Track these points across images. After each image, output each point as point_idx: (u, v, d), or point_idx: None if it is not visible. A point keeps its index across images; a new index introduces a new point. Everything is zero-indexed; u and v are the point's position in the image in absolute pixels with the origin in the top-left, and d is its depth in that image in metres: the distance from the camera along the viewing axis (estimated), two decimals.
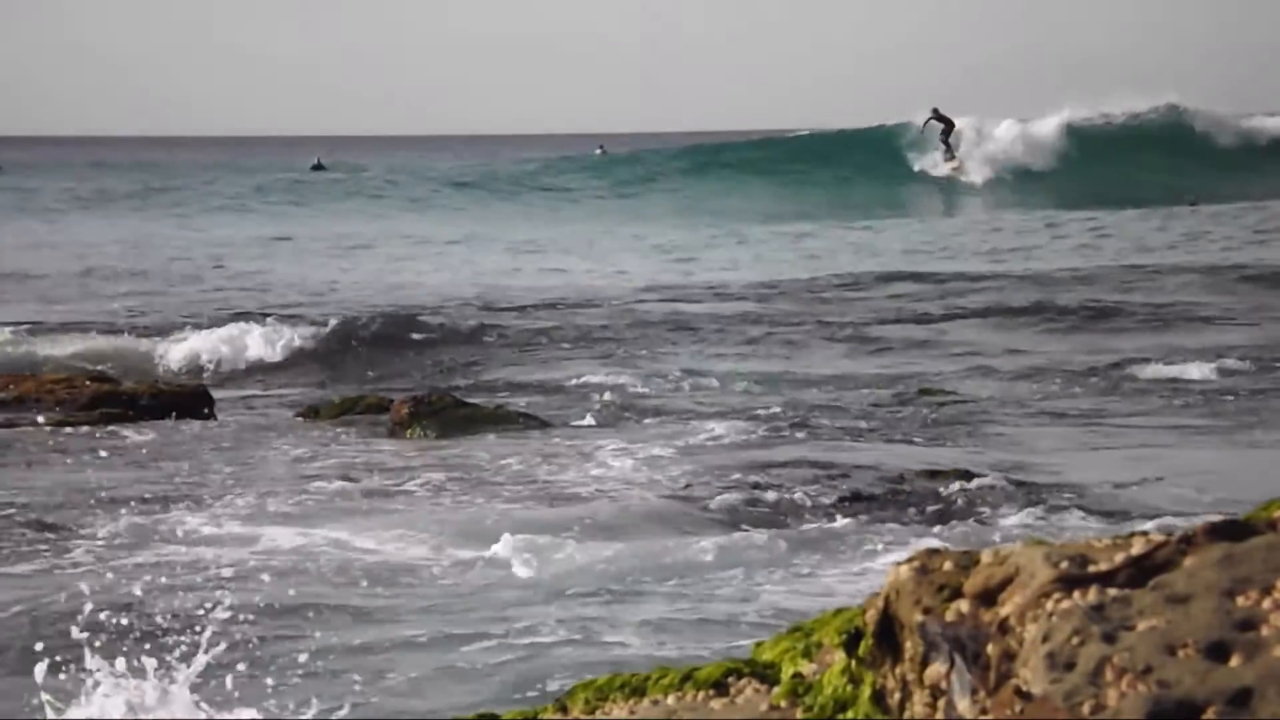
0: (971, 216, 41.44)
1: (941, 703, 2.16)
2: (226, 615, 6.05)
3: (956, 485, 10.01)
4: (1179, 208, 38.33)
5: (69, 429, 12.90)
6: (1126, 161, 46.32)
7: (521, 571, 8.34)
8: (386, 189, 52.14)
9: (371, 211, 45.55)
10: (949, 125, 46.99)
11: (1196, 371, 15.54)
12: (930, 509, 9.79)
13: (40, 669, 4.99)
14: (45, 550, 8.99)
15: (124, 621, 6.35)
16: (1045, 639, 2.03)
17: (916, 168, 47.65)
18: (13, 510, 9.84)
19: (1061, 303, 21.06)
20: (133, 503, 9.97)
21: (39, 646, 5.21)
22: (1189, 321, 19.76)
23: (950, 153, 47.12)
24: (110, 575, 8.15)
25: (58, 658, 5.11)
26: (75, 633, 5.44)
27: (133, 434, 12.91)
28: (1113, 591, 2.09)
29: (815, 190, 45.93)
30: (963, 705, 2.12)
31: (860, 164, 47.74)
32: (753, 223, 38.67)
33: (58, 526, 9.40)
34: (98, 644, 5.24)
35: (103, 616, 6.11)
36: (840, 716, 2.42)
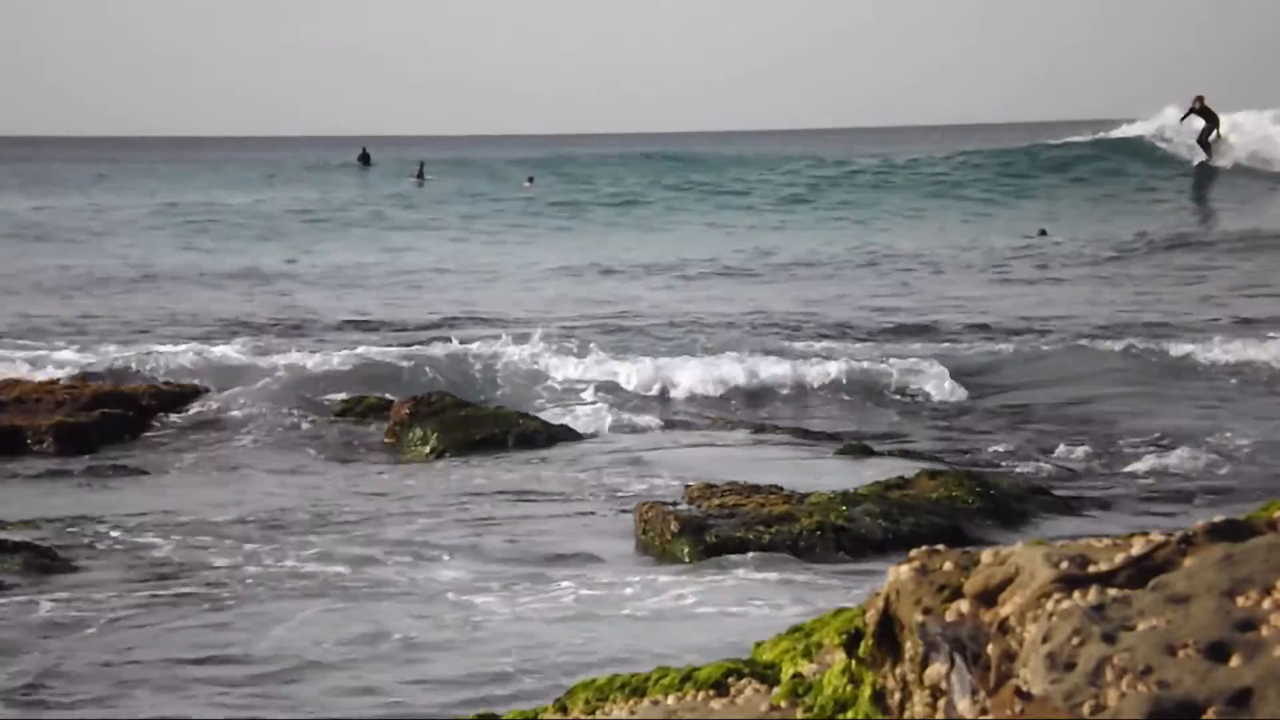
0: None
1: (941, 703, 2.16)
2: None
3: None
4: None
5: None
6: None
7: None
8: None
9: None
10: (1212, 123, 41.55)
11: None
12: None
13: None
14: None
15: None
16: (1045, 639, 2.04)
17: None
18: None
19: None
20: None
21: None
22: None
23: (1207, 150, 41.81)
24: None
25: None
26: None
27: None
28: (1113, 592, 2.09)
29: None
30: (963, 705, 2.12)
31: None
32: None
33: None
34: None
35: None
36: (840, 717, 2.42)
